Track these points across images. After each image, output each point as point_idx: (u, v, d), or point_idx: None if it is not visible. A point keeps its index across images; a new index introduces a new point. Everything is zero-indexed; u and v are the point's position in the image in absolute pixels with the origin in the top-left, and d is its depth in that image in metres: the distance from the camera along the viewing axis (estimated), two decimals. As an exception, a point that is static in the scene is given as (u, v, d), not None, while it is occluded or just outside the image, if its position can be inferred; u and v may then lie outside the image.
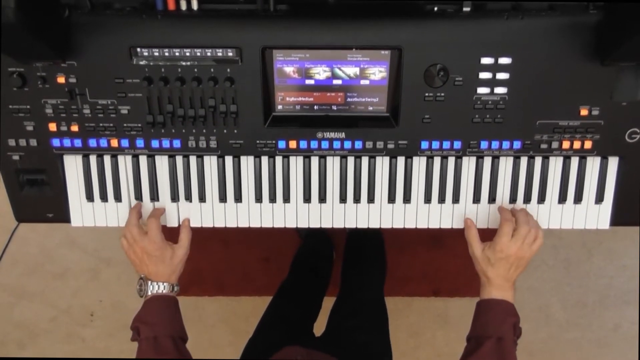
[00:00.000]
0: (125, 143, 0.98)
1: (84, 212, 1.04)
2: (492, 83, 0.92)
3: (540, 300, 2.16)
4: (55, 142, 0.97)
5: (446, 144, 0.97)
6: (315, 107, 0.98)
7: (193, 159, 1.01)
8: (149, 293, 0.96)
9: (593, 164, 1.01)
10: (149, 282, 0.97)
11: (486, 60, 0.91)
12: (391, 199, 1.03)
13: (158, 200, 1.03)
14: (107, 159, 1.01)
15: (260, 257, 2.06)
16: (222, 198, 1.03)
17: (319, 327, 1.37)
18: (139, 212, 1.01)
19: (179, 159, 1.01)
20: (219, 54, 0.91)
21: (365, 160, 1.01)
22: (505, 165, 1.01)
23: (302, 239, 1.95)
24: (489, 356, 0.87)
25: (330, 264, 1.83)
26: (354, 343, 1.20)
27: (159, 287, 0.96)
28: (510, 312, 0.92)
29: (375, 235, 1.73)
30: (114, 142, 0.98)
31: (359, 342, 1.21)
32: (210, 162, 1.01)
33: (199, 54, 0.91)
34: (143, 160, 1.01)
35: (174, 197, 1.03)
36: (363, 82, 0.95)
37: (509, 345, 0.89)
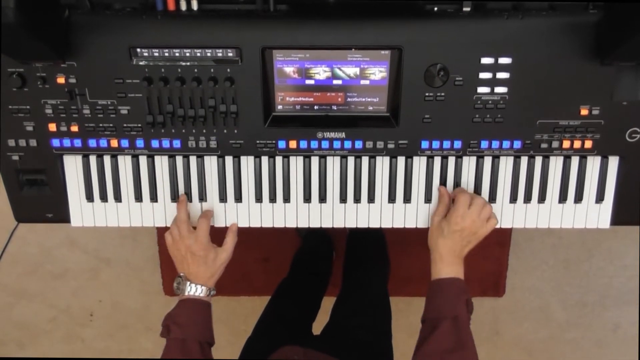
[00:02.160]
0: (125, 143, 0.98)
1: (84, 212, 1.04)
2: (492, 83, 0.92)
3: (540, 300, 2.16)
4: (55, 143, 0.97)
5: (446, 144, 0.97)
6: (315, 107, 0.98)
7: (193, 159, 1.01)
8: (186, 293, 0.96)
9: (593, 163, 1.01)
10: (188, 283, 0.97)
11: (486, 60, 0.91)
12: (391, 198, 1.03)
13: (157, 200, 1.03)
14: (107, 159, 1.01)
15: (260, 257, 2.06)
16: (222, 198, 1.03)
17: (318, 327, 1.37)
18: (187, 209, 1.00)
19: (179, 159, 1.01)
20: (219, 54, 0.91)
21: (365, 160, 1.01)
22: (506, 164, 1.01)
23: (301, 238, 1.95)
24: (447, 336, 0.88)
25: (330, 263, 1.83)
26: (354, 341, 1.20)
27: (196, 290, 0.96)
28: (462, 290, 0.93)
29: (377, 234, 1.73)
30: (114, 143, 0.98)
31: (360, 340, 1.21)
32: (211, 162, 1.01)
33: (198, 54, 0.91)
34: (143, 160, 1.01)
35: (174, 198, 1.03)
36: (363, 82, 0.95)
37: (464, 322, 0.90)
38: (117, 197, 1.03)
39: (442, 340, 0.88)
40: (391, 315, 1.35)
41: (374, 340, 1.23)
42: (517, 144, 0.97)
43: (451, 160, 1.01)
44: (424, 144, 0.97)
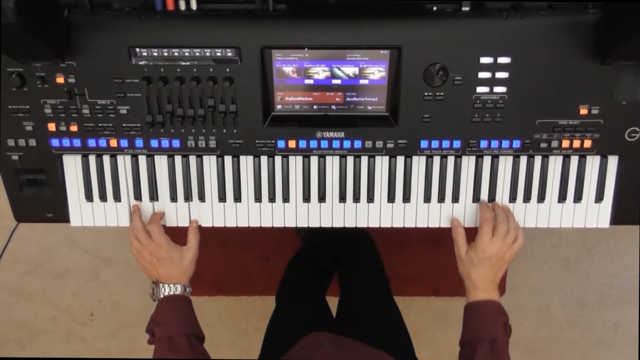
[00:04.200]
0: (124, 143, 0.98)
1: (84, 212, 1.04)
2: (492, 82, 0.92)
3: (540, 300, 2.16)
4: (55, 142, 0.97)
5: (446, 143, 0.97)
6: (315, 106, 0.98)
7: (192, 159, 1.01)
8: (162, 295, 0.97)
9: (593, 163, 1.00)
10: (161, 285, 0.97)
11: (485, 60, 0.91)
12: (391, 198, 1.03)
13: (157, 200, 1.03)
14: (106, 159, 1.01)
15: (260, 257, 2.06)
16: (222, 198, 1.03)
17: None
18: (140, 216, 1.01)
19: (178, 159, 1.01)
20: (218, 54, 0.91)
21: (364, 160, 1.01)
22: (505, 164, 1.01)
23: (301, 238, 1.94)
24: (486, 359, 0.88)
25: (330, 260, 1.82)
26: (368, 326, 1.19)
27: (170, 289, 0.97)
28: (500, 312, 0.93)
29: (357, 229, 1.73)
30: (113, 142, 0.98)
31: (373, 324, 1.20)
32: (210, 162, 1.01)
33: (198, 53, 0.91)
34: (142, 160, 1.01)
35: (173, 197, 1.03)
36: (362, 81, 0.95)
37: (502, 345, 0.89)
38: (117, 197, 1.03)
39: None
40: (390, 288, 1.34)
41: (385, 323, 1.23)
42: (517, 144, 0.97)
43: (450, 160, 1.01)
44: (423, 144, 0.97)
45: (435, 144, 0.97)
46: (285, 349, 1.08)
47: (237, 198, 1.03)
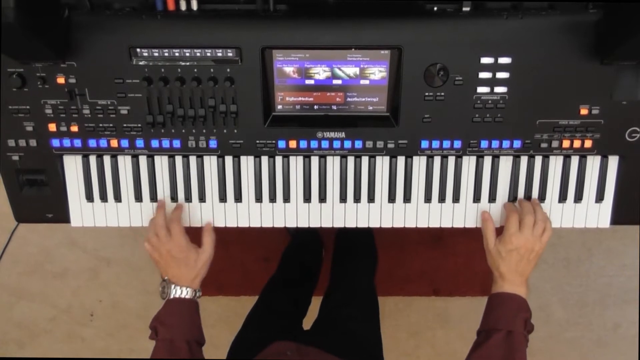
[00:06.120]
0: (125, 143, 0.98)
1: (84, 212, 1.04)
2: (492, 82, 0.92)
3: (540, 299, 2.16)
4: (55, 143, 0.97)
5: (446, 144, 0.97)
6: (315, 107, 0.98)
7: (193, 159, 1.01)
8: (172, 296, 0.96)
9: (593, 163, 1.01)
10: (172, 286, 0.97)
11: (486, 60, 0.91)
12: (391, 198, 1.03)
13: (157, 201, 1.03)
14: (106, 159, 1.01)
15: (260, 257, 2.06)
16: (222, 198, 1.03)
17: (308, 324, 1.36)
18: (165, 212, 1.00)
19: (179, 159, 1.01)
20: (219, 54, 0.91)
21: (365, 160, 1.01)
22: (506, 164, 1.01)
23: (291, 235, 1.95)
24: (497, 348, 0.87)
25: (319, 260, 1.82)
26: (345, 332, 1.20)
27: (181, 292, 0.96)
28: (523, 308, 0.92)
29: (364, 229, 1.73)
30: (114, 143, 0.98)
31: (350, 330, 1.20)
32: (210, 162, 1.01)
33: (198, 54, 0.91)
34: (143, 160, 1.01)
35: (174, 197, 1.03)
36: (363, 81, 0.95)
37: (518, 338, 0.89)
38: (117, 197, 1.03)
39: (491, 353, 0.87)
40: (378, 305, 1.34)
41: (365, 330, 1.23)
42: (517, 144, 0.97)
43: (451, 160, 1.01)
44: (424, 144, 0.97)
45: (435, 144, 0.97)
46: (250, 357, 1.07)
47: (238, 198, 1.03)
